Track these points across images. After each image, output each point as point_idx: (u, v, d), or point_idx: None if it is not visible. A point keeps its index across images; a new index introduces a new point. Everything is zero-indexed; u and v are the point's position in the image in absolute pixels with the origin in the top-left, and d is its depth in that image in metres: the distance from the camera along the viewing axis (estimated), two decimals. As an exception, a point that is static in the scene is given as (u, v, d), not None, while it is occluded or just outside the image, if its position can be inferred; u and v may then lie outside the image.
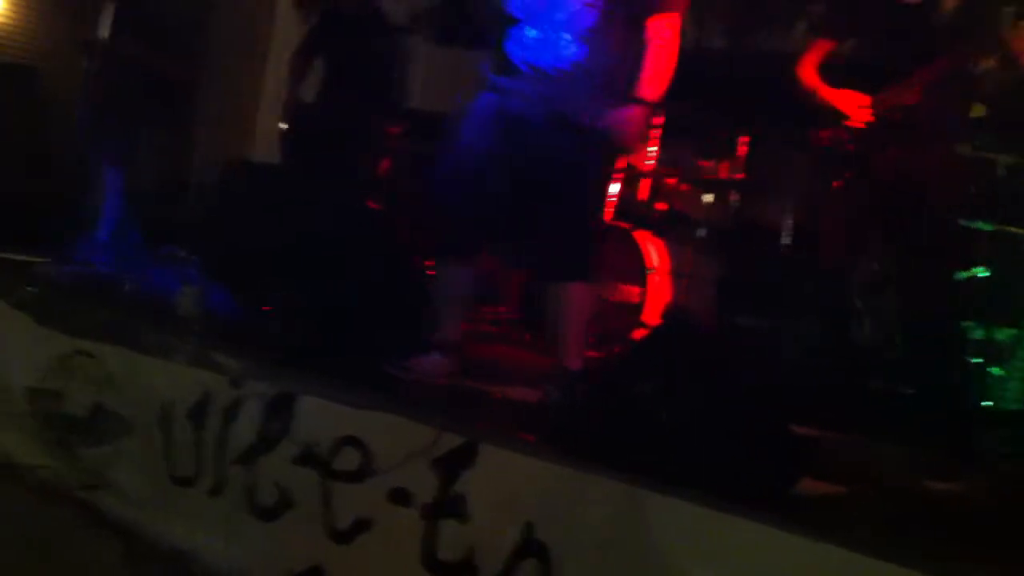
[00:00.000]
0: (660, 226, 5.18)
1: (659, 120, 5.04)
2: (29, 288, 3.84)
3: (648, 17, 3.57)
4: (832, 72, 4.02)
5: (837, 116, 3.91)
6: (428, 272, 4.06)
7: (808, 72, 4.05)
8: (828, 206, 4.11)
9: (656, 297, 4.79)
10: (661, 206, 5.27)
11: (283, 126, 5.26)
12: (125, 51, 5.43)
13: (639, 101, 3.53)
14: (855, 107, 3.87)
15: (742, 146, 5.05)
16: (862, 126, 3.85)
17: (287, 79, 5.33)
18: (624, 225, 5.08)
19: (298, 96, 5.24)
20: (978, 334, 3.94)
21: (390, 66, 5.12)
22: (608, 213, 5.34)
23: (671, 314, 4.73)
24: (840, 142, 3.93)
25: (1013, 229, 4.13)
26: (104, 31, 5.34)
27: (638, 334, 4.64)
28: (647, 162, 5.07)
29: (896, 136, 3.77)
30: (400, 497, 2.65)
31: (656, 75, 3.55)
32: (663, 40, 3.56)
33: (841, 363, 3.86)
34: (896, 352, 3.78)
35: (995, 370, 3.92)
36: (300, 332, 3.40)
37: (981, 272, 4.08)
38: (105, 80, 5.36)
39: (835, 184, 3.99)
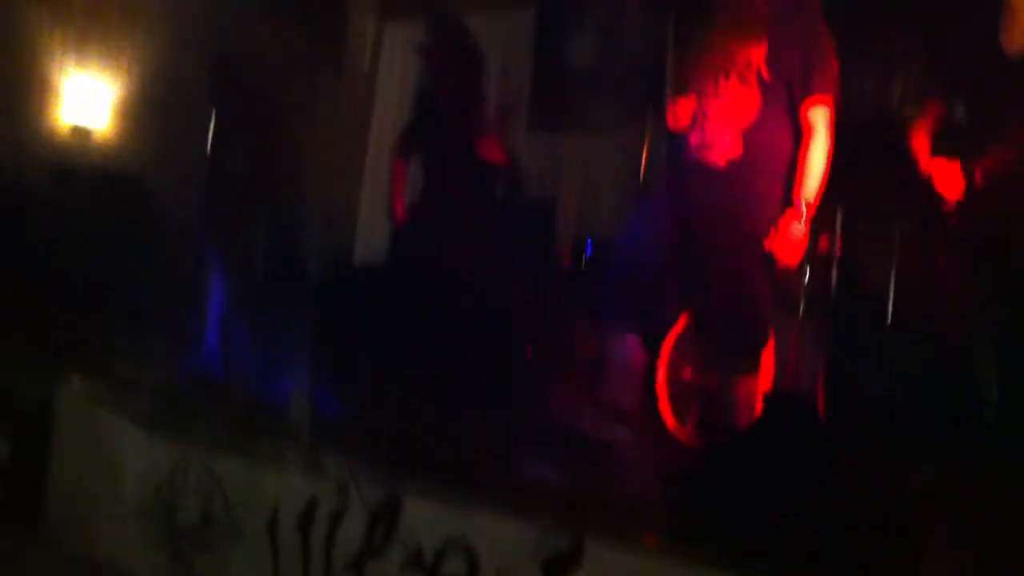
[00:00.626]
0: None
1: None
2: (142, 399, 3.95)
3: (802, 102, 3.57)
4: (937, 138, 3.89)
5: (939, 187, 3.79)
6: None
7: (920, 140, 3.88)
8: (933, 279, 4.00)
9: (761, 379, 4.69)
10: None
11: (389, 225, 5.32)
12: (231, 160, 5.68)
13: (800, 207, 3.54)
14: (956, 176, 3.72)
15: (839, 221, 4.96)
16: (963, 196, 3.71)
17: (388, 178, 5.39)
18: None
19: (401, 195, 5.29)
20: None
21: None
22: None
23: (777, 397, 4.64)
24: (942, 215, 3.80)
25: None
26: (209, 141, 5.60)
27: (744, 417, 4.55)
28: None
29: (1001, 203, 3.63)
30: (508, 601, 2.63)
31: (815, 178, 3.57)
32: (821, 134, 3.57)
33: (955, 437, 3.73)
34: (1009, 428, 3.63)
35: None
36: (408, 434, 3.42)
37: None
38: (213, 188, 5.61)
39: (939, 257, 3.87)
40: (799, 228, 3.58)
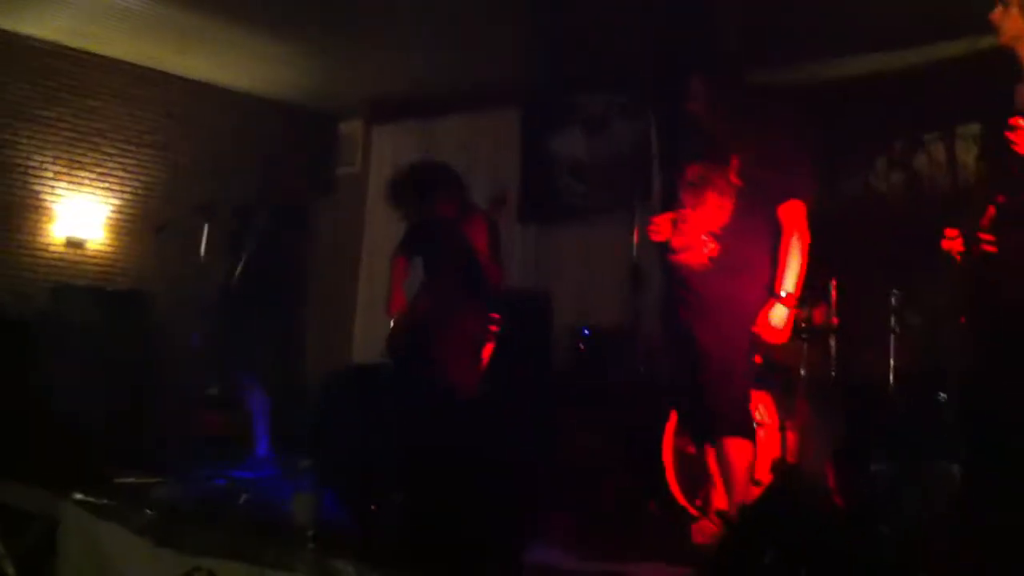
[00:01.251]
0: (760, 379, 5.11)
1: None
2: (148, 512, 3.92)
3: (777, 205, 3.94)
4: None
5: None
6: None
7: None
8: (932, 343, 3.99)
9: (766, 452, 4.68)
10: (758, 359, 5.21)
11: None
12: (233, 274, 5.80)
13: (783, 297, 3.89)
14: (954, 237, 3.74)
15: (833, 290, 5.00)
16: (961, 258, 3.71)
17: (389, 280, 5.43)
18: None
19: (401, 296, 5.32)
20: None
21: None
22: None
23: (783, 469, 4.61)
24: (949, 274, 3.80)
25: None
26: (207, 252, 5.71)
27: (752, 492, 4.52)
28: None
29: (992, 260, 3.63)
30: None
31: (794, 269, 3.90)
32: (795, 230, 3.92)
33: (967, 511, 3.68)
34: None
35: None
36: (412, 533, 3.38)
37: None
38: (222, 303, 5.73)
39: (961, 320, 3.86)
40: (782, 313, 3.89)
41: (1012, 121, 3.36)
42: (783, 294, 3.86)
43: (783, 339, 3.96)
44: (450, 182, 5.21)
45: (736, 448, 3.94)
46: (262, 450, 5.65)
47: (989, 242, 3.60)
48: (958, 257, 3.71)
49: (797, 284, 3.90)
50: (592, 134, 7.45)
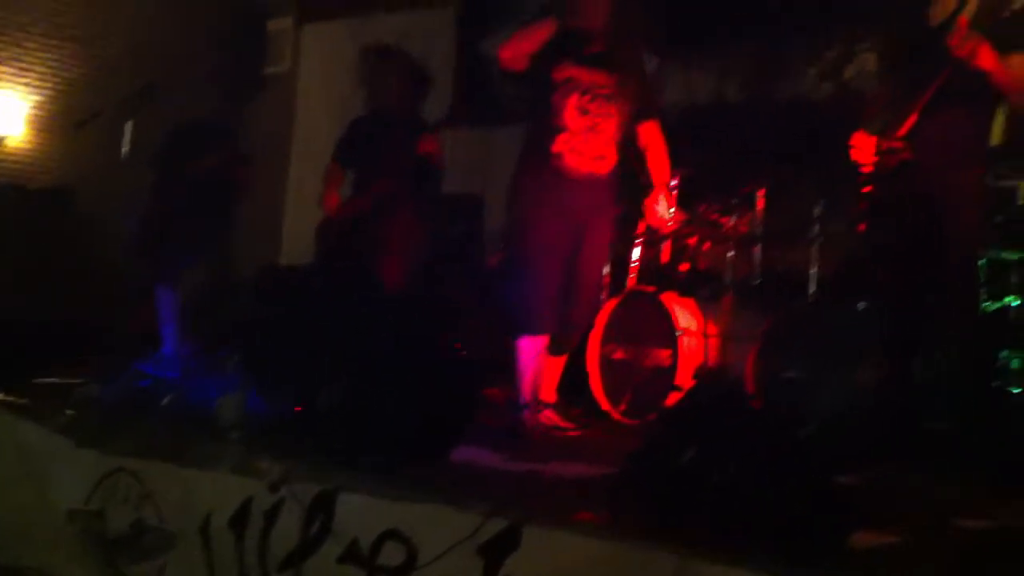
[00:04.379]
0: (685, 286, 5.17)
1: (675, 181, 5.08)
2: (68, 411, 3.88)
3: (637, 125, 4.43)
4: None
5: (855, 159, 3.85)
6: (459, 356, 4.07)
7: (866, 118, 3.94)
8: (853, 250, 4.06)
9: (688, 359, 4.76)
10: (684, 267, 5.27)
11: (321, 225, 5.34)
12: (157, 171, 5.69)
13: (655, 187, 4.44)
14: (868, 148, 3.80)
15: (760, 199, 5.05)
16: (876, 167, 3.79)
17: (323, 182, 5.41)
18: (649, 289, 5.08)
19: (335, 196, 5.32)
20: (1015, 363, 3.88)
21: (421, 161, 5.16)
22: (631, 279, 5.37)
23: (704, 374, 4.70)
24: (858, 184, 3.87)
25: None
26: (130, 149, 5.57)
27: (672, 398, 4.61)
28: (667, 224, 5.10)
29: (912, 172, 3.70)
30: (447, 588, 2.63)
31: (661, 166, 4.46)
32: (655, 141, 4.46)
33: (879, 406, 3.79)
34: (934, 390, 3.70)
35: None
36: (337, 430, 3.39)
37: (1013, 301, 4.03)
38: (149, 201, 5.63)
39: (860, 228, 3.94)
40: (666, 202, 4.47)
41: (959, 32, 3.42)
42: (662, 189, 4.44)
43: (667, 226, 4.60)
44: (426, 79, 5.28)
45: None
46: (168, 349, 5.61)
47: (906, 150, 3.67)
48: (866, 167, 3.78)
49: (667, 176, 4.50)
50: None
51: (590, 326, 4.95)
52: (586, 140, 4.23)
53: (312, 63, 8.19)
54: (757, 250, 5.05)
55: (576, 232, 4.29)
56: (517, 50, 4.26)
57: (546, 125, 4.25)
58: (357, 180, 5.33)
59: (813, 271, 4.71)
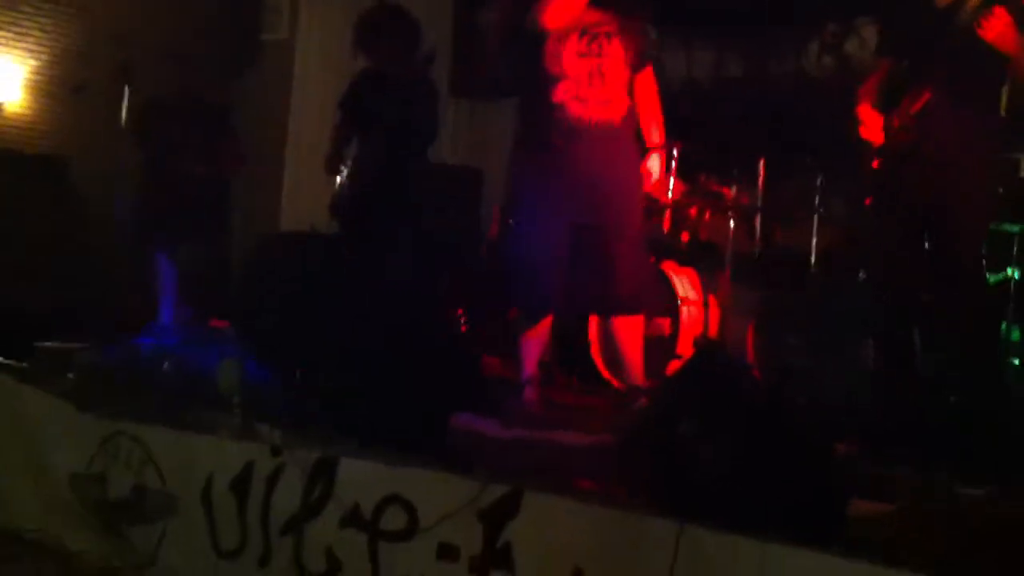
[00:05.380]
0: (686, 256, 5.18)
1: (676, 152, 5.06)
2: (69, 375, 3.89)
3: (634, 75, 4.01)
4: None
5: (864, 134, 3.85)
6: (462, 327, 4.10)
7: (865, 93, 3.92)
8: (857, 223, 4.06)
9: (689, 328, 4.77)
10: (685, 236, 5.27)
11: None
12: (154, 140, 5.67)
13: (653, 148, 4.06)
14: (875, 123, 3.80)
15: (762, 171, 5.05)
16: (886, 143, 3.78)
17: (330, 142, 5.31)
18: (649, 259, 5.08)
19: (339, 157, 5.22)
20: (1015, 335, 3.90)
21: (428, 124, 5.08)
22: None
23: (704, 343, 4.71)
24: (865, 159, 3.87)
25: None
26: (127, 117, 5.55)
27: (672, 366, 4.62)
28: (667, 194, 5.09)
29: (917, 147, 3.70)
30: (448, 552, 2.65)
31: (655, 123, 4.09)
32: (649, 93, 4.08)
33: (881, 379, 3.81)
34: (937, 363, 3.72)
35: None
36: (335, 396, 3.40)
37: (1015, 273, 4.04)
38: (145, 171, 5.62)
39: (866, 202, 3.95)
40: (658, 162, 4.11)
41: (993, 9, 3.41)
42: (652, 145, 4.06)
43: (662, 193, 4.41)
44: (417, 32, 5.09)
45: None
46: (166, 318, 5.61)
47: (911, 128, 3.66)
48: (875, 140, 3.77)
49: (662, 135, 4.12)
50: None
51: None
52: (590, 86, 3.86)
53: (310, 31, 8.14)
54: (758, 221, 5.05)
55: (591, 189, 3.87)
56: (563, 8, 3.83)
57: (544, 76, 3.88)
58: (362, 136, 5.22)
59: (813, 243, 4.72)
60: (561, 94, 3.85)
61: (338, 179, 5.17)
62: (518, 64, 4.07)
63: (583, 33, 3.86)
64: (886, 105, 3.77)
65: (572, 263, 3.88)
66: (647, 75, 4.07)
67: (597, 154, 3.86)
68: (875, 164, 3.80)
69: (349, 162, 5.15)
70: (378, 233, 4.94)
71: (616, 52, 3.89)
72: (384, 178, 4.92)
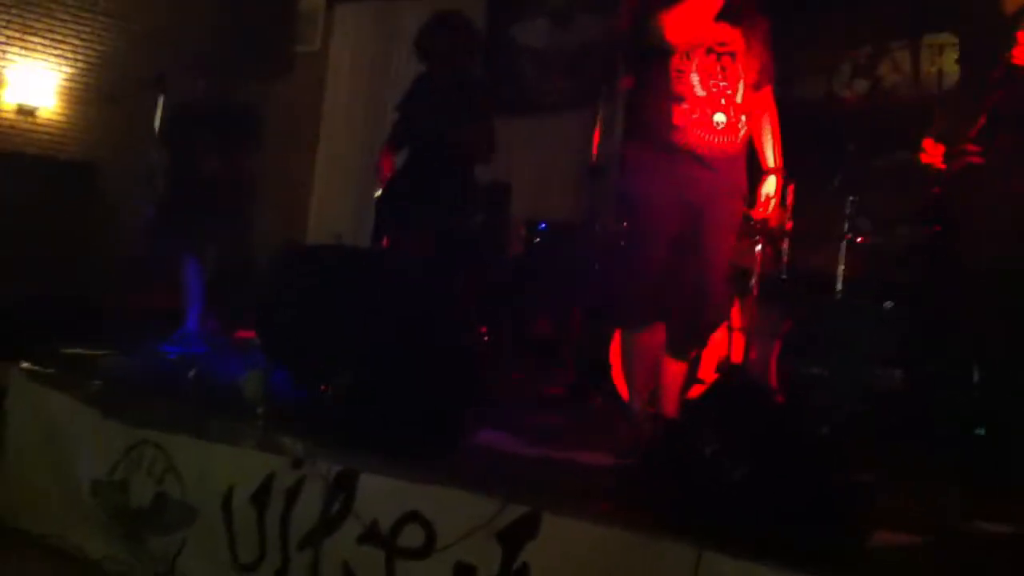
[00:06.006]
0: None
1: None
2: (95, 381, 3.91)
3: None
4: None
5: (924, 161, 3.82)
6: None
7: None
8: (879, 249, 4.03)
9: (712, 352, 4.74)
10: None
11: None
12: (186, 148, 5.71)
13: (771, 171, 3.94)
14: (937, 152, 3.76)
15: (790, 194, 5.02)
16: (945, 169, 3.74)
17: (386, 144, 5.28)
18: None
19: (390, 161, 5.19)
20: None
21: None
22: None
23: (727, 368, 4.69)
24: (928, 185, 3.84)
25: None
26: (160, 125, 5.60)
27: (695, 391, 4.60)
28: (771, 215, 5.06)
29: (973, 172, 3.66)
30: (465, 572, 2.65)
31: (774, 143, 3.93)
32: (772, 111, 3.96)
33: (908, 406, 3.78)
34: (963, 390, 3.68)
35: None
36: (359, 411, 3.41)
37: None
38: (172, 177, 5.65)
39: (935, 228, 3.93)
40: (773, 186, 3.91)
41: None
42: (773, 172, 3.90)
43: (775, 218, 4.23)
44: (477, 37, 5.18)
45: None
46: (192, 325, 5.63)
47: (976, 153, 3.62)
48: (938, 168, 3.74)
49: (780, 157, 3.92)
50: (558, 26, 7.34)
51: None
52: (715, 107, 3.68)
53: (342, 43, 8.19)
54: (785, 245, 5.02)
55: (696, 217, 3.73)
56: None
57: (662, 93, 3.68)
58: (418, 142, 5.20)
59: (840, 269, 4.69)
60: (680, 116, 3.68)
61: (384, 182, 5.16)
62: (640, 77, 3.84)
63: (709, 52, 3.70)
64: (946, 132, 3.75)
65: (678, 277, 3.77)
66: (766, 94, 3.91)
67: (715, 176, 3.71)
68: (935, 190, 3.76)
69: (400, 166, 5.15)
70: (417, 243, 4.93)
71: (741, 72, 3.75)
72: (430, 188, 4.91)
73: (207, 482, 3.27)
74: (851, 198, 4.77)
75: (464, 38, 5.13)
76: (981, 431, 3.58)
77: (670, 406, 3.86)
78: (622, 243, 4.02)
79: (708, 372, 4.67)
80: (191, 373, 4.16)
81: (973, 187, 3.64)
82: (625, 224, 4.00)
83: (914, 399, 3.76)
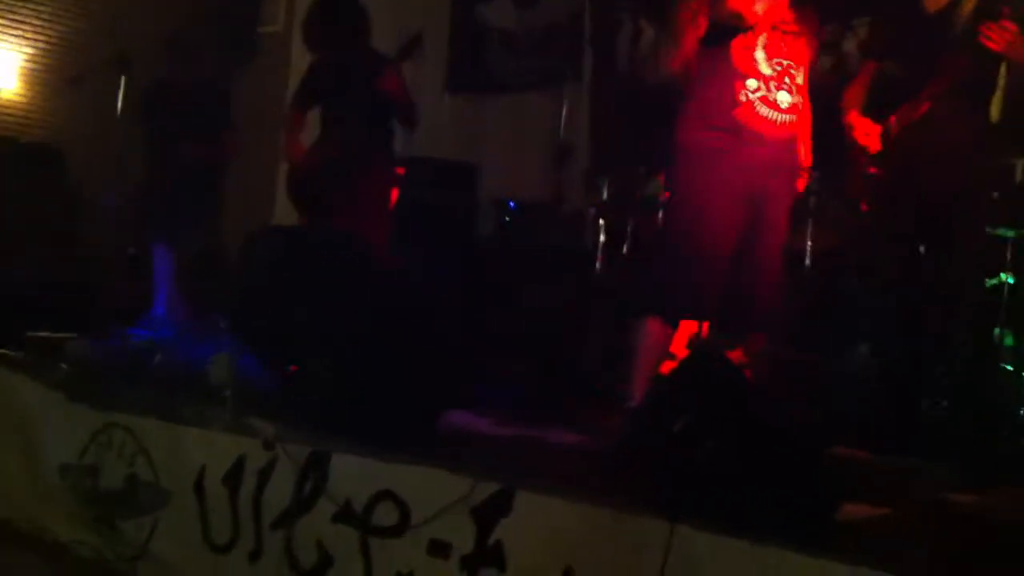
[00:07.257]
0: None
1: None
2: (62, 366, 3.88)
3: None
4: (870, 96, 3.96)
5: (860, 140, 3.87)
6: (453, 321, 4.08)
7: (854, 95, 3.96)
8: (855, 229, 4.08)
9: (682, 328, 4.76)
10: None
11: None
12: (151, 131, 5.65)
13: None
14: (872, 131, 3.83)
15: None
16: (880, 148, 3.80)
17: (284, 132, 5.24)
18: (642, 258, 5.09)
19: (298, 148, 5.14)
20: (1008, 341, 3.91)
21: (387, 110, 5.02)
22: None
23: (697, 343, 4.71)
24: (862, 166, 3.89)
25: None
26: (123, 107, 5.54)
27: (666, 367, 4.61)
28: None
29: (914, 153, 3.73)
30: (439, 549, 2.65)
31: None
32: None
33: (872, 381, 3.82)
34: (928, 365, 3.74)
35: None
36: (329, 392, 3.40)
37: (1008, 278, 4.05)
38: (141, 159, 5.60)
39: (863, 208, 3.98)
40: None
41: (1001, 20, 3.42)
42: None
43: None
44: (365, 19, 5.00)
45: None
46: (160, 309, 5.60)
47: (910, 136, 3.69)
48: (872, 147, 3.80)
49: (809, 154, 3.82)
50: (523, 6, 7.32)
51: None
52: (779, 87, 3.54)
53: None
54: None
55: (759, 203, 3.60)
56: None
57: (730, 71, 3.53)
58: (323, 125, 5.14)
59: (808, 246, 4.72)
60: (748, 93, 3.52)
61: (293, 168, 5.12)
62: (702, 55, 3.60)
63: (774, 28, 3.56)
64: (877, 110, 3.80)
65: (733, 270, 3.60)
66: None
67: (774, 160, 3.59)
68: (873, 170, 3.82)
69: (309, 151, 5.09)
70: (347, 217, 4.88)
71: (804, 52, 3.64)
72: (338, 169, 4.85)
73: (178, 464, 3.25)
74: (816, 178, 4.79)
75: (345, 23, 4.96)
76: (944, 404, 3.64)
77: None
78: (675, 230, 3.85)
79: (679, 348, 4.69)
80: (158, 356, 4.13)
81: (914, 166, 3.70)
82: (680, 211, 3.79)
83: (882, 375, 3.80)
